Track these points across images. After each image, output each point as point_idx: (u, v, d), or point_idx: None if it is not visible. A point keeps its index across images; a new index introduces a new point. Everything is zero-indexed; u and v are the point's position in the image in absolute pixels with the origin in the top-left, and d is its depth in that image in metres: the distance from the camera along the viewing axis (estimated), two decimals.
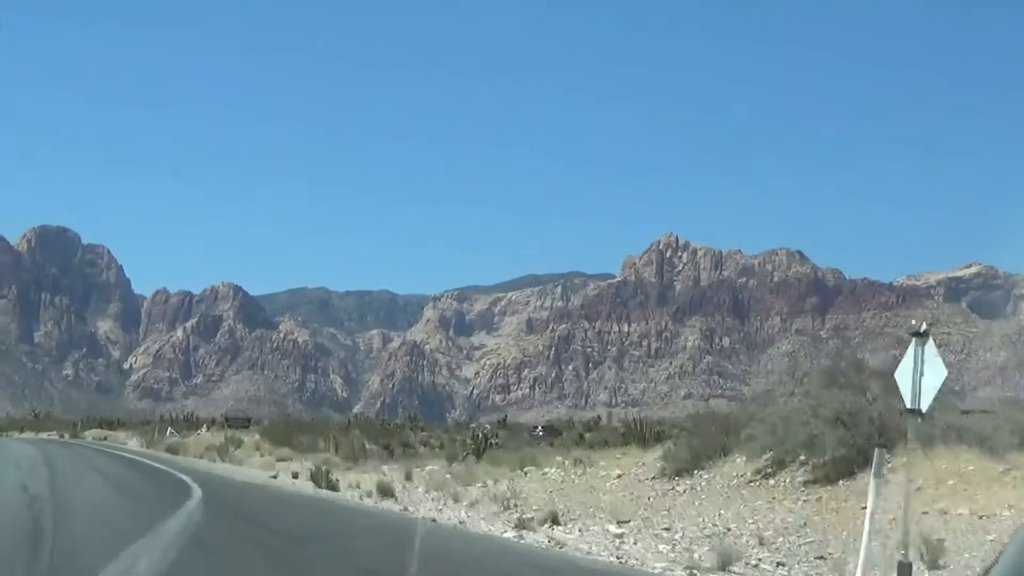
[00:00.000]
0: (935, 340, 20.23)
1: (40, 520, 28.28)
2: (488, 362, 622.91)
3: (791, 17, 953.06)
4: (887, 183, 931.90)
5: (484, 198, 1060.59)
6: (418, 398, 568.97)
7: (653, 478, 38.97)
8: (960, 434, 29.29)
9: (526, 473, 47.87)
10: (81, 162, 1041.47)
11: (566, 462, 48.23)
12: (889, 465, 27.13)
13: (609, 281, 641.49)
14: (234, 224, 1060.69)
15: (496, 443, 67.50)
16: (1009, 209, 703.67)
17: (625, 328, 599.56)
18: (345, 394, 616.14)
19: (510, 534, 30.12)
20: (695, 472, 37.87)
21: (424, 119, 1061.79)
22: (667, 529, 29.85)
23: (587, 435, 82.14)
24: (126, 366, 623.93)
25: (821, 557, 24.21)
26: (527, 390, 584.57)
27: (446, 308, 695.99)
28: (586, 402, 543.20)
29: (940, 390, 20.24)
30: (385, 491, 42.47)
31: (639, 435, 53.53)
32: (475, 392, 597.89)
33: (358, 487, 45.84)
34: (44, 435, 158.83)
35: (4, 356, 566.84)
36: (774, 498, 31.27)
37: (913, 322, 20.63)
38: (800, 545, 25.69)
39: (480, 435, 69.88)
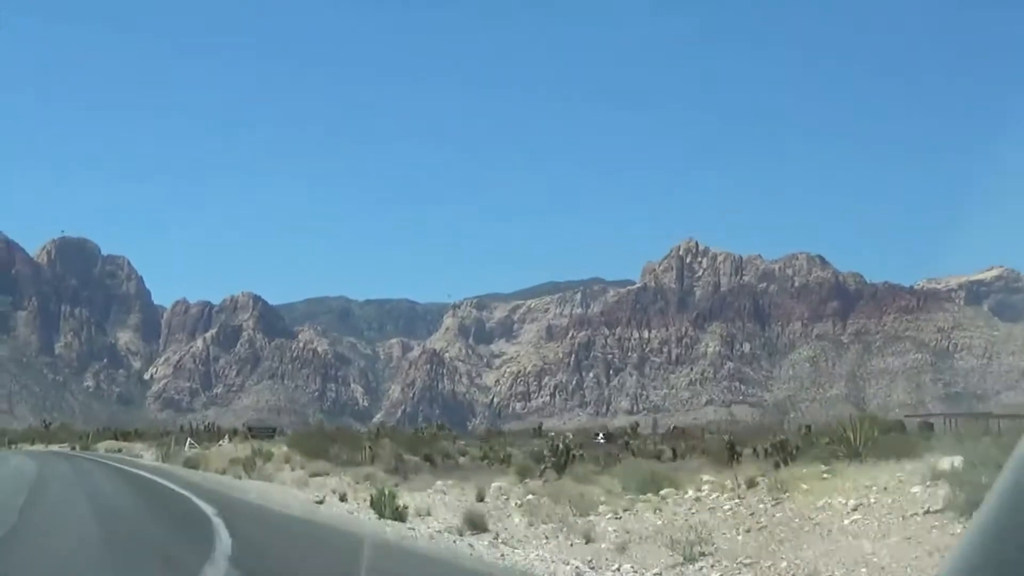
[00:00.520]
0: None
1: None
2: (508, 370, 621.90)
3: (810, 23, 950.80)
4: (907, 186, 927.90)
5: (504, 206, 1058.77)
6: (438, 407, 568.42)
7: (929, 512, 24.67)
8: None
9: (663, 497, 37.28)
10: (100, 173, 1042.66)
11: (733, 482, 36.44)
12: None
13: (629, 287, 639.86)
14: (253, 234, 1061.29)
15: (580, 455, 60.38)
16: None
17: (645, 334, 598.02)
18: (365, 403, 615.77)
19: None
20: None
21: (444, 127, 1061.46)
22: None
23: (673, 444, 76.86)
24: (146, 377, 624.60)
25: None
26: (548, 398, 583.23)
27: (466, 316, 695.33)
28: (607, 409, 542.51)
29: None
30: (475, 522, 33.66)
31: (847, 444, 37.81)
32: (496, 400, 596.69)
33: (428, 514, 37.68)
34: (55, 447, 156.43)
35: (25, 368, 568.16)
36: None
37: None
38: None
39: (561, 446, 60.61)
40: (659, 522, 30.85)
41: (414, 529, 33.50)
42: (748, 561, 23.19)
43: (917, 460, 31.98)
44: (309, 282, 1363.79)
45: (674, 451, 75.64)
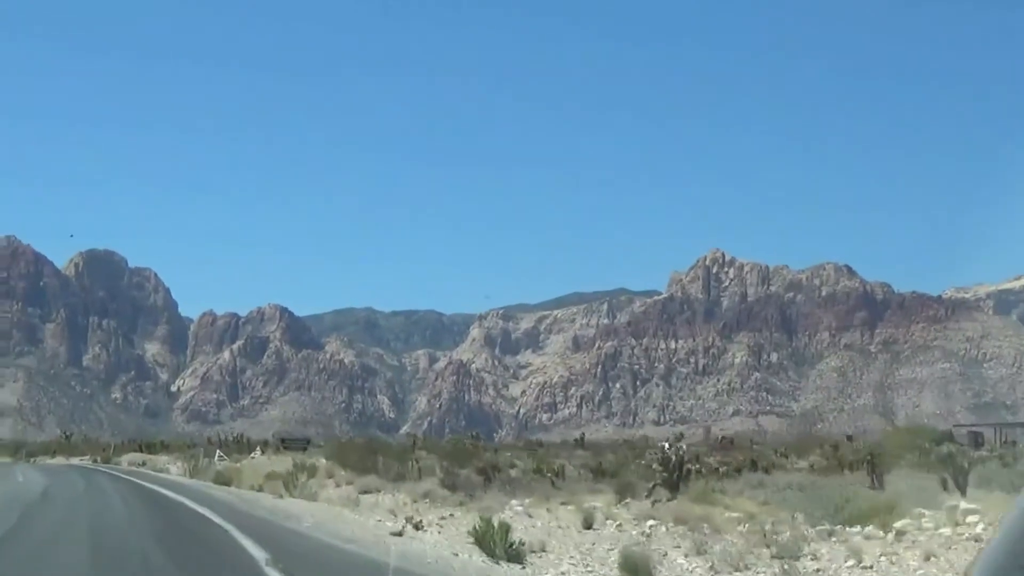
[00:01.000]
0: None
1: None
2: (535, 381, 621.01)
3: (833, 31, 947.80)
4: (935, 195, 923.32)
5: (529, 217, 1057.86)
6: (465, 418, 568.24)
7: None
8: None
9: (899, 532, 30.36)
10: (127, 186, 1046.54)
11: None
12: None
13: (655, 298, 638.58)
14: (280, 246, 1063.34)
15: (698, 470, 51.97)
16: None
17: (672, 345, 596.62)
18: (392, 415, 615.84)
19: None
20: None
21: (469, 139, 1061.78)
22: None
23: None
24: (174, 389, 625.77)
25: None
26: (574, 408, 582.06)
27: (492, 327, 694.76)
28: (634, 420, 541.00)
29: None
30: (633, 568, 25.02)
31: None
32: (522, 411, 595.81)
33: (543, 550, 29.56)
34: (76, 460, 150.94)
35: (53, 380, 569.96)
36: None
37: None
38: None
39: (674, 458, 50.07)
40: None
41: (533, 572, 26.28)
42: None
43: None
44: (335, 293, 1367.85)
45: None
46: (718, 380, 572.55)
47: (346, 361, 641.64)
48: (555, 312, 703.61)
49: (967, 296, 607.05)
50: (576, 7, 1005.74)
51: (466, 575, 25.29)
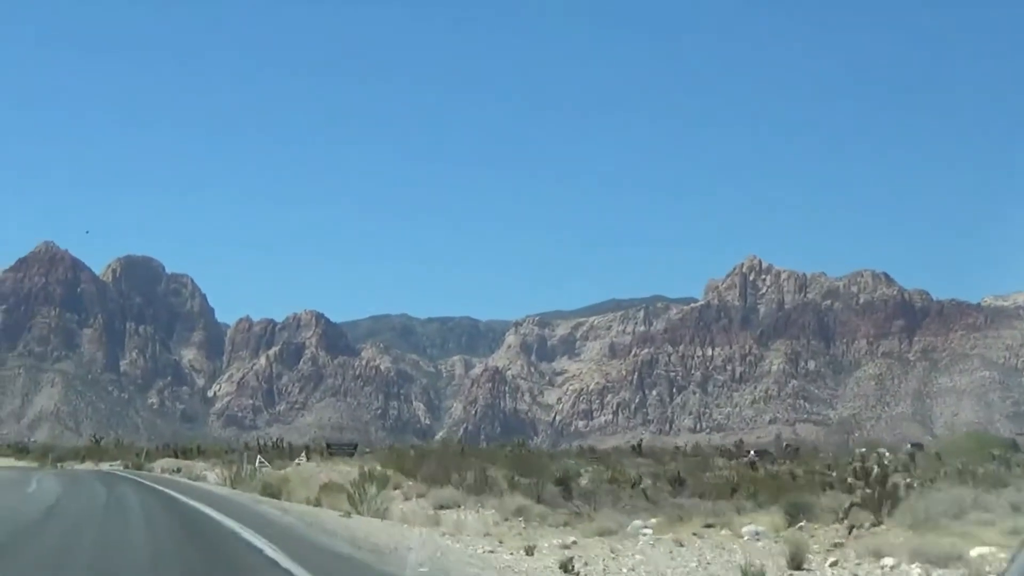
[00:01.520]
0: None
1: None
2: (571, 387, 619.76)
3: (867, 36, 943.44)
4: (973, 202, 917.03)
5: (565, 223, 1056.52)
6: (500, 424, 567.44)
7: None
8: None
9: None
10: (164, 192, 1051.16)
11: None
12: None
13: (692, 305, 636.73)
14: (316, 252, 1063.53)
15: (908, 485, 41.18)
16: None
17: (709, 352, 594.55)
18: (428, 421, 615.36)
19: None
20: None
21: (504, 146, 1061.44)
22: None
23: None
24: (210, 394, 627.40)
25: None
26: (610, 416, 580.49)
27: (528, 333, 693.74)
28: (670, 427, 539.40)
29: None
30: None
31: None
32: (558, 418, 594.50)
33: None
34: (106, 465, 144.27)
35: (91, 385, 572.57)
36: None
37: None
38: None
39: (876, 468, 37.77)
40: None
41: None
42: None
43: None
44: (371, 300, 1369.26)
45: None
46: (755, 388, 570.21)
47: (382, 367, 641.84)
48: (591, 319, 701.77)
49: (1006, 304, 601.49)
50: (618, 8, 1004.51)
51: None
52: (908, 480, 43.01)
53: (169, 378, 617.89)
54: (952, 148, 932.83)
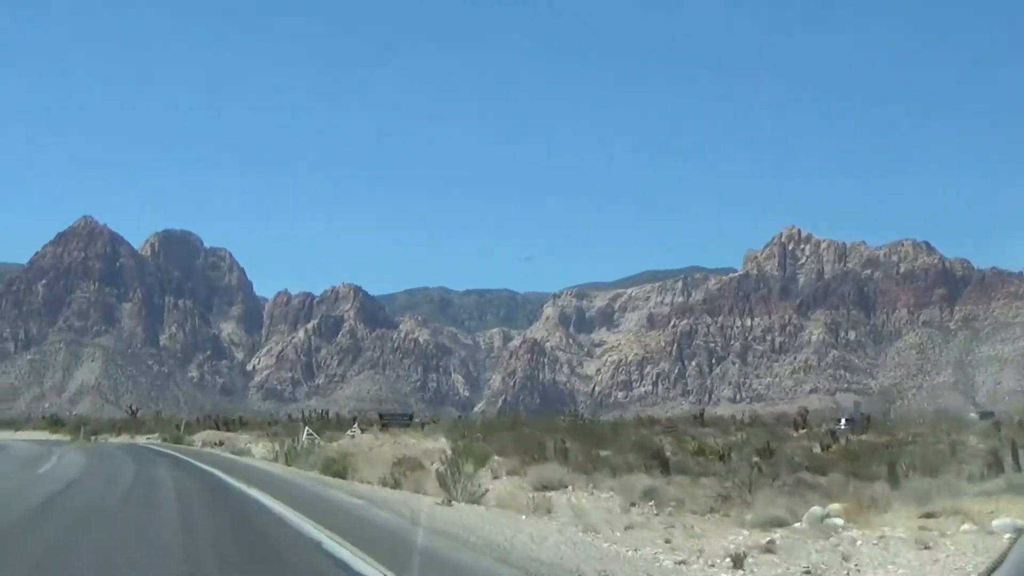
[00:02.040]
0: None
1: None
2: (609, 359, 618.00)
3: (908, 6, 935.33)
4: (1014, 170, 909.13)
5: (603, 195, 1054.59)
6: (539, 396, 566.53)
7: None
8: None
9: None
10: (203, 167, 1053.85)
11: None
12: None
13: (731, 275, 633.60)
14: (354, 226, 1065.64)
15: None
16: None
17: (748, 323, 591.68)
18: (466, 393, 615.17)
19: None
20: None
21: (543, 120, 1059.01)
22: None
23: None
24: (249, 368, 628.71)
25: None
26: (649, 387, 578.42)
27: (566, 305, 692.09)
28: (710, 398, 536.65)
29: None
30: None
31: None
32: (597, 389, 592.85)
33: None
34: (143, 439, 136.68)
35: (131, 359, 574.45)
36: None
37: None
38: None
39: None
40: None
41: None
42: None
43: None
44: (409, 273, 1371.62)
45: None
46: (795, 358, 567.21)
47: (420, 340, 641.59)
48: (629, 290, 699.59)
49: None
50: None
51: None
52: None
53: (208, 352, 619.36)
54: (992, 116, 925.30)
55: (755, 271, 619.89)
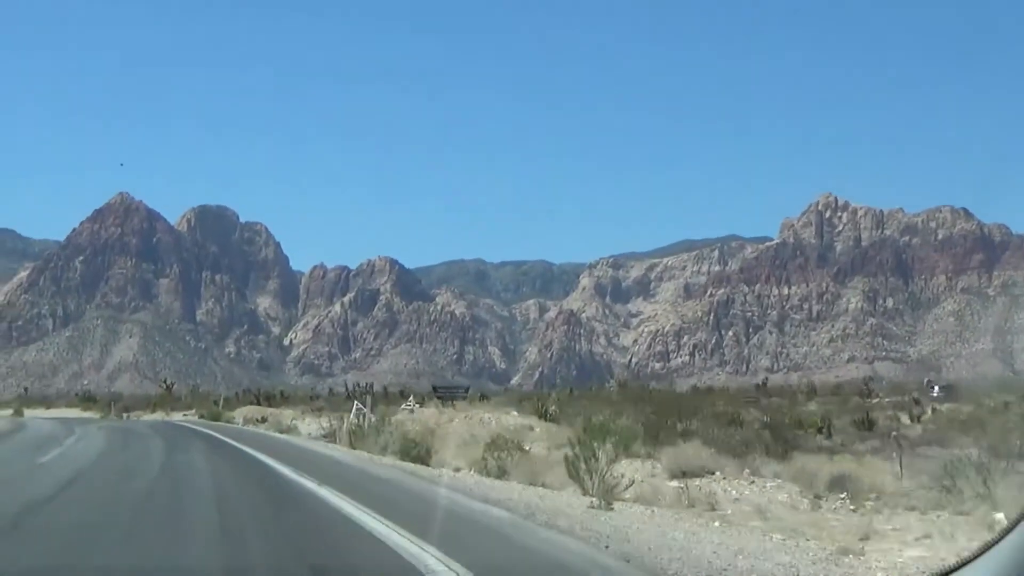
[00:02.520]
0: None
1: None
2: (646, 329, 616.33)
3: None
4: None
5: (638, 164, 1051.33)
6: (576, 367, 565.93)
7: None
8: None
9: None
10: (238, 141, 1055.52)
11: None
12: None
13: (768, 244, 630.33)
14: (389, 198, 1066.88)
15: None
16: None
17: (785, 291, 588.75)
18: (503, 365, 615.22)
19: None
20: None
21: (576, 87, 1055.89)
22: None
23: None
24: (286, 342, 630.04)
25: None
26: (687, 357, 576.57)
27: (602, 275, 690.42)
28: (747, 368, 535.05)
29: None
30: None
31: None
32: (634, 360, 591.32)
33: None
34: (178, 416, 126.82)
35: (168, 335, 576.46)
36: None
37: None
38: None
39: None
40: None
41: None
42: None
43: None
44: (445, 245, 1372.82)
45: None
46: (832, 326, 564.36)
47: (457, 313, 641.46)
48: (665, 260, 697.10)
49: None
50: None
51: None
52: None
53: (245, 327, 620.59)
54: None
55: (792, 239, 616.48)
